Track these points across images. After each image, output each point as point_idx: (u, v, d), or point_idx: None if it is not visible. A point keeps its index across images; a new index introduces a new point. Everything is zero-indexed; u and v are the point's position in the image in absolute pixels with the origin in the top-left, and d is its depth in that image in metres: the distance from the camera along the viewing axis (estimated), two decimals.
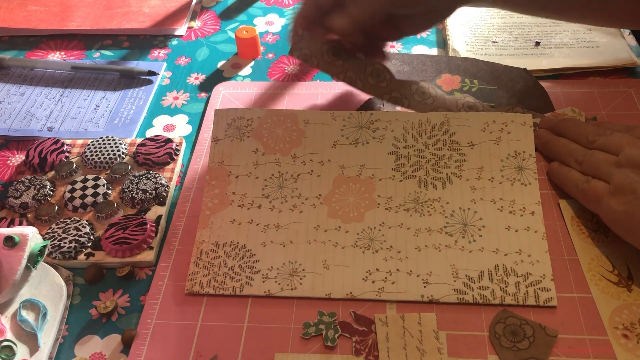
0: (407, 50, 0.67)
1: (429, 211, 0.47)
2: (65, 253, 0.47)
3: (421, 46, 0.67)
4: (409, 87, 0.53)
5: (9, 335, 0.42)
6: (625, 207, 0.42)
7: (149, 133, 0.59)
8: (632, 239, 0.43)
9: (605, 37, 0.65)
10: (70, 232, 0.48)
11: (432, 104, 0.53)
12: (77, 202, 0.51)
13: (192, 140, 0.58)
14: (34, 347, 0.42)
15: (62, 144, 0.56)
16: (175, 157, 0.55)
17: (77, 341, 0.43)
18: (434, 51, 0.67)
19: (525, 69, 0.60)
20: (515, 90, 0.58)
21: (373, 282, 0.44)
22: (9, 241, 0.42)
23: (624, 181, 0.42)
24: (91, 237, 0.49)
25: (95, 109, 0.62)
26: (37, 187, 0.52)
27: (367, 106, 0.57)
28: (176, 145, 0.56)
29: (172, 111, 0.61)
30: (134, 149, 0.55)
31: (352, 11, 0.49)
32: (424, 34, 0.68)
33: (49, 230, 0.49)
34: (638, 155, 0.43)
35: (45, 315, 0.43)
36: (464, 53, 0.64)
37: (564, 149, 0.50)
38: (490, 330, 0.41)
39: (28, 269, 0.43)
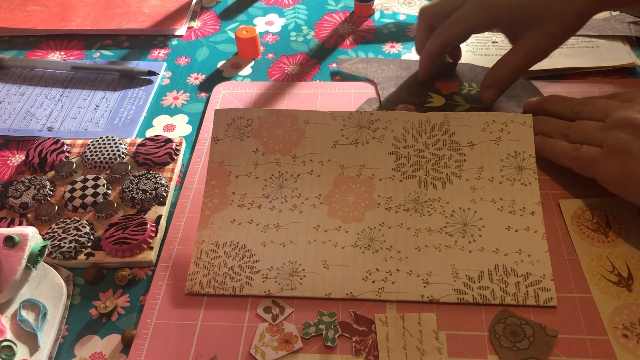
0: (407, 51, 0.67)
1: (429, 211, 0.47)
2: (65, 253, 0.47)
3: None
4: None
5: (9, 335, 0.42)
6: (621, 167, 0.43)
7: (149, 133, 0.59)
8: (632, 197, 0.44)
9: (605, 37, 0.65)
10: (70, 232, 0.48)
11: None
12: (77, 202, 0.51)
13: (192, 140, 0.58)
14: (34, 347, 0.42)
15: (62, 144, 0.56)
16: (175, 157, 0.55)
17: (77, 341, 0.43)
18: None
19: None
20: (513, 94, 0.58)
21: (373, 282, 0.44)
22: (9, 241, 0.42)
23: (617, 142, 0.44)
24: (91, 237, 0.49)
25: (95, 109, 0.62)
26: (37, 187, 0.52)
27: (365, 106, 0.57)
28: (176, 145, 0.56)
29: (172, 111, 0.61)
30: (134, 149, 0.55)
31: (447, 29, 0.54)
32: None
33: (49, 230, 0.49)
34: (626, 116, 0.44)
35: (45, 315, 0.43)
36: (463, 53, 0.64)
37: (547, 125, 0.50)
38: (490, 330, 0.41)
39: (28, 269, 0.43)
